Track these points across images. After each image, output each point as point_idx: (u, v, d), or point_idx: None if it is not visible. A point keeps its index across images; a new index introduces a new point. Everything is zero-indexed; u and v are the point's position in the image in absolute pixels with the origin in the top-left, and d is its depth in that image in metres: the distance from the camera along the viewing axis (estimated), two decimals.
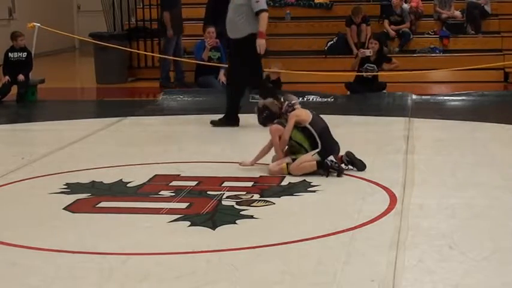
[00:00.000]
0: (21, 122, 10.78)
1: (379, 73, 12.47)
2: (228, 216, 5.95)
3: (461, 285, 4.54)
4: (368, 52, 12.41)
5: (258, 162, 7.49)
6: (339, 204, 6.34)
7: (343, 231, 5.52)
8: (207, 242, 5.35)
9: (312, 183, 6.89)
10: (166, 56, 14.00)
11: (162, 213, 6.06)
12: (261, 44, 9.53)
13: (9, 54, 12.73)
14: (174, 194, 6.62)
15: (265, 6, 9.56)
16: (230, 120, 9.81)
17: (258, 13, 9.46)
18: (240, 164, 7.52)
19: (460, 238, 5.36)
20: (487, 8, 15.48)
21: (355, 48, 14.37)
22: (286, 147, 7.36)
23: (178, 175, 7.28)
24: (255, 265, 4.91)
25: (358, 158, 7.35)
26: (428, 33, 15.50)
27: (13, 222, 5.97)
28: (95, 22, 18.61)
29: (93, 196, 6.61)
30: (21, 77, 12.39)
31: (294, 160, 7.19)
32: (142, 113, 11.22)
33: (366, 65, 12.43)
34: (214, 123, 9.81)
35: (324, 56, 14.96)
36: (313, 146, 7.21)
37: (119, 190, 6.85)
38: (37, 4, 19.53)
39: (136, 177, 7.19)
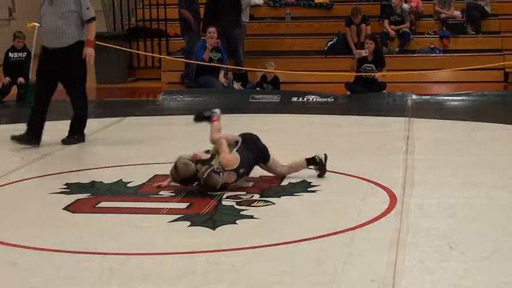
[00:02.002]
0: (21, 122, 10.76)
1: (378, 73, 12.46)
2: (228, 216, 5.95)
3: (461, 285, 4.54)
4: (364, 52, 12.42)
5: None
6: (339, 204, 6.34)
7: (343, 231, 5.52)
8: (207, 242, 5.35)
9: (312, 183, 6.89)
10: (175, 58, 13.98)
11: (162, 213, 6.06)
12: (90, 53, 8.92)
13: (10, 54, 12.75)
14: (174, 194, 6.62)
15: (94, 14, 9.06)
16: (77, 134, 9.11)
17: (88, 21, 8.93)
18: None
19: (460, 238, 5.36)
20: (487, 8, 15.48)
21: (355, 48, 14.38)
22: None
23: None
24: (255, 265, 4.91)
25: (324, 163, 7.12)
26: (428, 33, 15.51)
27: (13, 222, 5.97)
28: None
29: (93, 196, 6.61)
30: (20, 79, 12.41)
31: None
32: (143, 113, 11.22)
33: (364, 65, 12.44)
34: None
35: (324, 56, 14.97)
36: None
37: (119, 190, 6.85)
38: (37, 4, 19.47)
39: (136, 177, 7.19)
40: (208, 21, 13.87)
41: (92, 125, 10.15)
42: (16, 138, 8.87)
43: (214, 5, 13.87)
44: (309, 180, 6.98)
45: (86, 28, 8.94)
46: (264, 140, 7.46)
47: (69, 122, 9.25)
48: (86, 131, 9.42)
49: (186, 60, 13.74)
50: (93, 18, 8.95)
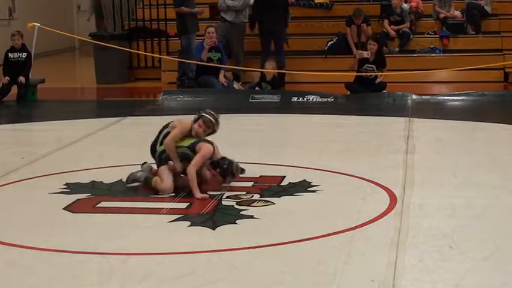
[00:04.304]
0: (21, 122, 10.77)
1: (379, 73, 12.46)
2: (228, 216, 5.96)
3: (461, 285, 4.54)
4: (365, 54, 12.42)
5: (256, 162, 7.50)
6: (339, 204, 6.34)
7: (343, 231, 5.52)
8: (207, 242, 5.35)
9: (312, 183, 6.89)
10: (175, 58, 13.98)
11: (162, 213, 6.06)
12: None
13: (9, 54, 12.75)
14: (174, 194, 6.62)
15: None
16: None
17: None
18: None
19: (460, 238, 5.36)
20: (487, 8, 15.48)
21: (355, 48, 14.37)
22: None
23: None
24: (255, 265, 4.91)
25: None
26: (428, 33, 15.50)
27: (13, 222, 5.97)
28: (95, 22, 18.61)
29: (93, 196, 6.61)
30: (21, 78, 12.41)
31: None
32: (143, 113, 11.22)
33: (365, 66, 12.43)
34: None
35: (324, 56, 14.96)
36: None
37: (119, 190, 6.85)
38: (37, 4, 19.52)
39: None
40: (254, 20, 14.20)
41: (92, 125, 10.17)
42: None
43: (262, 4, 13.95)
44: (309, 180, 6.98)
45: None
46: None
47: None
48: (86, 130, 9.41)
49: (185, 61, 13.75)
50: None
